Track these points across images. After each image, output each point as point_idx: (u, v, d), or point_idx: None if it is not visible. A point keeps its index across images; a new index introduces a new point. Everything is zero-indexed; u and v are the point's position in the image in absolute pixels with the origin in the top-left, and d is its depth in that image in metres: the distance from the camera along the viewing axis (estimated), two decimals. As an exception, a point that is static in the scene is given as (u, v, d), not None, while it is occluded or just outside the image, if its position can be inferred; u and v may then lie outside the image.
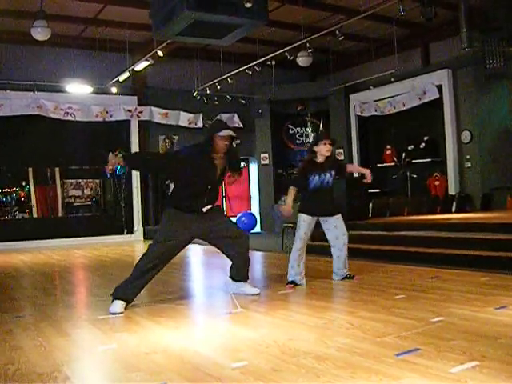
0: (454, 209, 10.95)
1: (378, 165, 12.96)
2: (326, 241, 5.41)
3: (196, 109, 13.57)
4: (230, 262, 4.78)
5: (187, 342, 3.33)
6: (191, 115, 13.70)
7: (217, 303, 4.79)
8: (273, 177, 14.32)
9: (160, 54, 10.53)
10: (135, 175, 13.24)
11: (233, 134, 4.44)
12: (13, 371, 2.80)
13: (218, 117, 13.90)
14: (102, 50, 12.18)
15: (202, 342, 3.35)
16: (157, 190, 13.39)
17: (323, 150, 5.12)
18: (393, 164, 12.85)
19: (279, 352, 2.97)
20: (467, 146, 11.58)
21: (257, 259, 8.09)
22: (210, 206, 4.53)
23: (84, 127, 12.60)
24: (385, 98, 12.84)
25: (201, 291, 5.69)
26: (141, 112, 13.24)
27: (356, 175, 11.24)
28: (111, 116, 12.90)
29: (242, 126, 14.05)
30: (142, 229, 13.38)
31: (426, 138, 12.39)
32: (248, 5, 5.87)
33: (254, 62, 11.52)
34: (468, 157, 11.56)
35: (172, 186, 4.86)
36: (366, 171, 5.47)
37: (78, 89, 12.31)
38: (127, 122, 13.27)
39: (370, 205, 10.06)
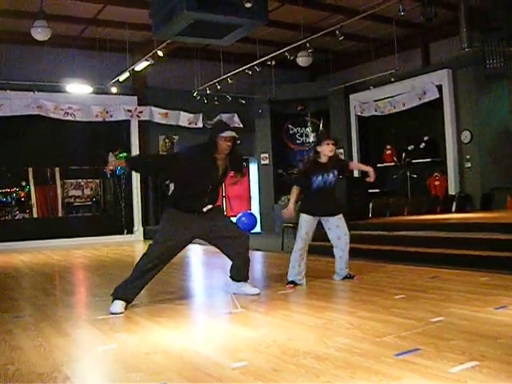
0: (453, 209, 10.95)
1: (378, 165, 12.95)
2: (328, 241, 5.42)
3: (196, 109, 13.57)
4: (230, 262, 4.79)
5: (187, 342, 3.33)
6: (191, 115, 13.70)
7: (217, 303, 4.79)
8: (273, 177, 14.32)
9: (160, 54, 10.53)
10: (135, 175, 13.23)
11: (235, 135, 4.45)
12: (12, 371, 2.80)
13: (218, 117, 13.91)
14: (101, 50, 12.17)
15: (202, 342, 3.35)
16: (157, 190, 13.39)
17: (326, 151, 5.13)
18: (393, 164, 12.85)
19: (279, 352, 2.97)
20: (467, 145, 11.59)
21: (257, 259, 8.09)
22: (210, 206, 4.53)
23: (84, 127, 12.60)
24: (385, 98, 12.83)
25: (201, 291, 5.69)
26: (141, 112, 13.24)
27: (356, 175, 11.26)
28: (111, 116, 12.90)
29: (241, 126, 14.04)
30: (141, 229, 13.38)
31: (426, 138, 12.39)
32: (248, 5, 5.86)
33: (254, 62, 11.52)
34: (468, 157, 11.56)
35: (172, 186, 4.87)
36: (369, 169, 5.48)
37: (77, 89, 12.31)
38: (127, 122, 13.27)
39: (370, 205, 10.06)
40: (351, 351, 2.91)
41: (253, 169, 14.78)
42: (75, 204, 13.13)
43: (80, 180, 13.17)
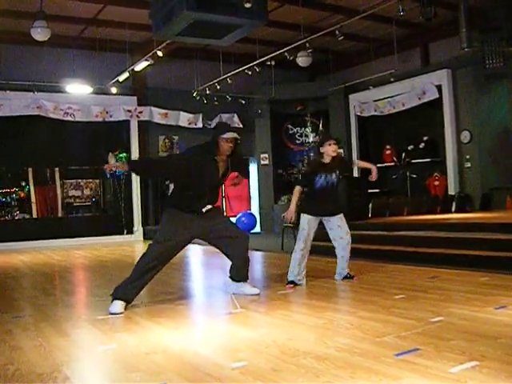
0: (453, 209, 10.96)
1: (378, 165, 12.82)
2: (329, 241, 5.42)
3: (196, 109, 13.57)
4: (229, 262, 4.79)
5: (187, 343, 3.33)
6: (191, 115, 13.70)
7: (216, 303, 4.79)
8: (272, 177, 14.31)
9: (160, 54, 10.52)
10: (135, 175, 13.22)
11: (237, 136, 4.45)
12: (12, 371, 2.80)
13: (218, 117, 13.92)
14: (101, 51, 12.17)
15: (201, 342, 3.35)
16: (157, 190, 13.39)
17: (330, 151, 5.15)
18: (392, 164, 12.85)
19: (279, 352, 2.97)
20: (467, 145, 11.59)
21: (257, 259, 8.09)
22: (209, 207, 4.54)
23: (84, 127, 12.60)
24: (384, 98, 12.84)
25: (200, 291, 5.69)
26: (140, 112, 13.24)
27: (356, 175, 11.25)
28: (111, 116, 12.90)
29: (241, 126, 14.04)
30: (141, 229, 13.38)
31: (425, 138, 12.39)
32: (248, 5, 5.87)
33: (254, 62, 11.52)
34: (467, 157, 11.57)
35: (172, 186, 4.86)
36: (372, 167, 5.51)
37: (77, 89, 12.32)
38: (127, 123, 13.27)
39: (370, 205, 10.06)
40: (351, 351, 2.91)
41: (252, 169, 14.77)
42: (75, 204, 13.13)
43: (80, 180, 13.17)
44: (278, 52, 11.03)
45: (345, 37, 9.94)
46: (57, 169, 12.83)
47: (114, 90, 12.32)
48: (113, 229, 13.07)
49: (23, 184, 12.58)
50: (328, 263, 6.29)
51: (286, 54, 10.81)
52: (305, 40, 10.30)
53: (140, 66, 11.52)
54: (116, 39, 12.19)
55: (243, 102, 13.64)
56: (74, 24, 11.45)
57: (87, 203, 13.26)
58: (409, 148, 12.62)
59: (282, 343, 3.14)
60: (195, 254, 9.33)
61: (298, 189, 5.25)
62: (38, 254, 10.21)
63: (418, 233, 7.75)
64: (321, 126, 14.41)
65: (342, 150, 13.69)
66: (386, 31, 11.80)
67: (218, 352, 3.06)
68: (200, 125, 13.71)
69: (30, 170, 12.56)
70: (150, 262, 4.36)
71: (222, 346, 3.18)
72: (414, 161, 12.43)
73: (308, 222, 5.19)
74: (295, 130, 14.75)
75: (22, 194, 12.57)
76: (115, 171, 4.50)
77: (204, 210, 4.49)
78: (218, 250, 4.78)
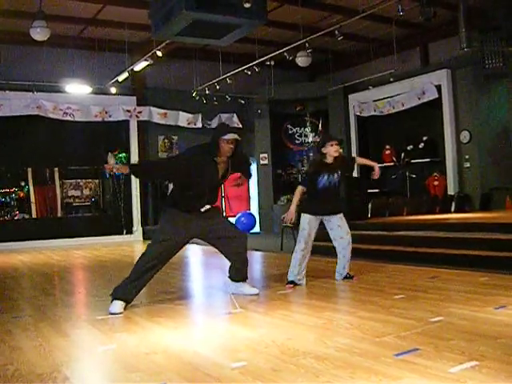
0: (453, 209, 10.96)
1: (378, 165, 12.94)
2: (330, 241, 5.42)
3: (195, 109, 13.56)
4: (229, 262, 4.79)
5: (186, 343, 3.33)
6: (190, 115, 13.70)
7: (216, 303, 4.79)
8: (272, 177, 14.30)
9: (159, 54, 10.52)
10: (134, 178, 13.21)
11: (238, 137, 4.44)
12: (12, 371, 2.80)
13: (217, 117, 13.92)
14: (101, 51, 12.17)
15: (201, 342, 3.35)
16: (156, 190, 13.38)
17: (332, 151, 5.16)
18: (392, 164, 12.85)
19: (278, 352, 2.97)
20: (466, 145, 11.59)
21: (256, 259, 8.09)
22: (208, 207, 4.54)
23: (83, 127, 12.60)
24: (384, 98, 12.83)
25: (200, 291, 5.69)
26: (140, 112, 13.24)
27: (356, 175, 11.25)
28: (110, 116, 12.90)
29: (241, 126, 14.04)
30: (141, 229, 13.37)
31: (425, 138, 12.39)
32: (247, 5, 5.86)
33: (253, 62, 11.51)
34: (467, 157, 11.56)
35: (171, 185, 4.85)
36: (375, 164, 5.52)
37: (77, 89, 12.31)
38: (126, 123, 13.26)
39: (370, 205, 10.06)
40: (351, 351, 2.91)
41: (252, 169, 14.75)
42: (74, 204, 13.12)
43: (79, 180, 13.16)
44: (277, 52, 11.03)
45: (344, 37, 9.94)
46: (56, 169, 12.82)
47: (113, 89, 12.31)
48: (112, 229, 13.06)
49: (23, 184, 12.57)
50: (328, 263, 6.29)
51: (285, 53, 10.80)
52: (304, 40, 10.30)
53: (139, 66, 11.51)
54: (115, 39, 12.18)
55: (243, 102, 13.64)
56: (73, 24, 11.44)
57: (87, 203, 13.25)
58: (408, 148, 12.62)
59: (282, 343, 3.13)
60: (195, 253, 9.32)
61: (300, 189, 5.24)
62: (37, 254, 10.21)
63: (418, 233, 7.76)
64: (320, 126, 14.41)
65: (341, 150, 13.69)
66: (385, 31, 11.80)
67: (218, 352, 3.06)
68: (199, 125, 13.71)
69: (29, 169, 12.55)
70: (150, 261, 4.36)
71: (221, 346, 3.18)
72: (413, 161, 12.43)
73: (309, 222, 5.19)
74: (295, 130, 14.75)
75: (22, 194, 12.57)
76: (115, 172, 4.49)
77: (203, 209, 4.50)
78: (217, 250, 4.78)
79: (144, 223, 13.41)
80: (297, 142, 14.75)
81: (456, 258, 6.18)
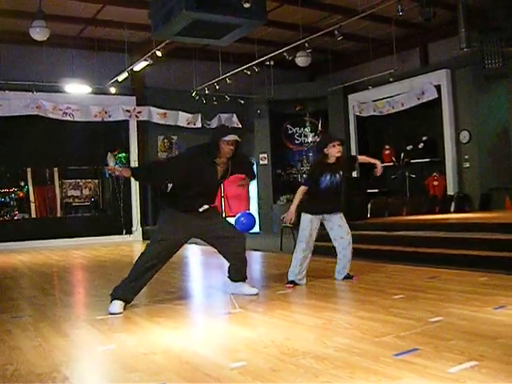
0: (452, 209, 10.96)
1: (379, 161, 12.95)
2: (330, 241, 5.42)
3: (195, 109, 13.56)
4: (228, 263, 4.79)
5: (186, 343, 3.33)
6: (190, 115, 13.70)
7: (215, 303, 4.79)
8: (271, 177, 14.31)
9: (159, 54, 10.52)
10: (134, 180, 13.21)
11: (238, 138, 4.44)
12: (11, 371, 2.80)
13: (217, 117, 13.92)
14: (100, 50, 12.17)
15: (200, 342, 3.35)
16: (156, 190, 13.37)
17: (334, 152, 5.15)
18: (391, 164, 12.84)
19: (278, 352, 2.97)
20: (466, 146, 11.59)
21: (255, 259, 8.09)
22: (206, 207, 4.54)
23: (83, 127, 12.59)
24: (383, 98, 12.84)
25: (199, 291, 5.69)
26: (139, 112, 13.23)
27: (355, 175, 11.23)
28: (110, 116, 12.89)
29: (240, 126, 14.05)
30: (140, 229, 13.37)
31: (424, 138, 12.39)
32: (246, 5, 5.85)
33: (253, 62, 11.51)
34: (466, 157, 11.57)
35: (170, 185, 4.85)
36: (377, 162, 5.52)
37: (76, 89, 12.31)
38: (126, 122, 13.26)
39: (369, 205, 10.06)
40: (350, 351, 2.91)
41: (251, 169, 14.75)
42: (74, 204, 13.12)
43: (79, 180, 13.16)
44: (277, 52, 11.03)
45: (344, 37, 9.94)
46: (56, 169, 12.83)
47: (112, 89, 12.31)
48: (112, 229, 13.06)
49: (22, 184, 12.57)
50: (328, 263, 6.29)
51: (285, 53, 10.80)
52: (304, 40, 10.30)
53: (139, 65, 11.51)
54: (115, 39, 12.18)
55: (242, 101, 13.64)
56: (73, 24, 11.43)
57: (86, 203, 13.25)
58: (408, 148, 12.62)
59: (281, 343, 3.13)
60: (194, 253, 9.32)
61: (302, 189, 5.24)
62: (36, 253, 10.21)
63: (417, 233, 7.76)
64: (320, 126, 14.41)
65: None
66: (385, 31, 11.80)
67: (217, 352, 3.06)
68: (199, 125, 13.71)
69: (28, 169, 12.55)
70: (149, 261, 4.36)
71: (220, 346, 3.18)
72: (413, 161, 12.44)
73: (310, 222, 5.19)
74: (294, 130, 14.74)
75: (21, 194, 12.57)
76: (117, 174, 4.48)
77: (201, 209, 4.50)
78: (216, 250, 4.78)
79: (143, 223, 13.41)
80: (296, 142, 14.75)
81: (455, 258, 6.18)
